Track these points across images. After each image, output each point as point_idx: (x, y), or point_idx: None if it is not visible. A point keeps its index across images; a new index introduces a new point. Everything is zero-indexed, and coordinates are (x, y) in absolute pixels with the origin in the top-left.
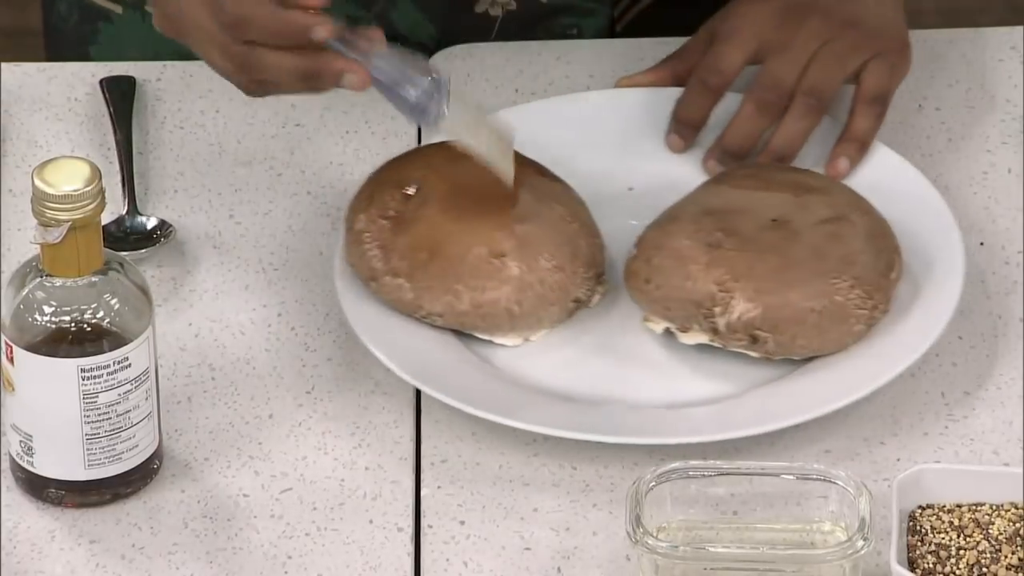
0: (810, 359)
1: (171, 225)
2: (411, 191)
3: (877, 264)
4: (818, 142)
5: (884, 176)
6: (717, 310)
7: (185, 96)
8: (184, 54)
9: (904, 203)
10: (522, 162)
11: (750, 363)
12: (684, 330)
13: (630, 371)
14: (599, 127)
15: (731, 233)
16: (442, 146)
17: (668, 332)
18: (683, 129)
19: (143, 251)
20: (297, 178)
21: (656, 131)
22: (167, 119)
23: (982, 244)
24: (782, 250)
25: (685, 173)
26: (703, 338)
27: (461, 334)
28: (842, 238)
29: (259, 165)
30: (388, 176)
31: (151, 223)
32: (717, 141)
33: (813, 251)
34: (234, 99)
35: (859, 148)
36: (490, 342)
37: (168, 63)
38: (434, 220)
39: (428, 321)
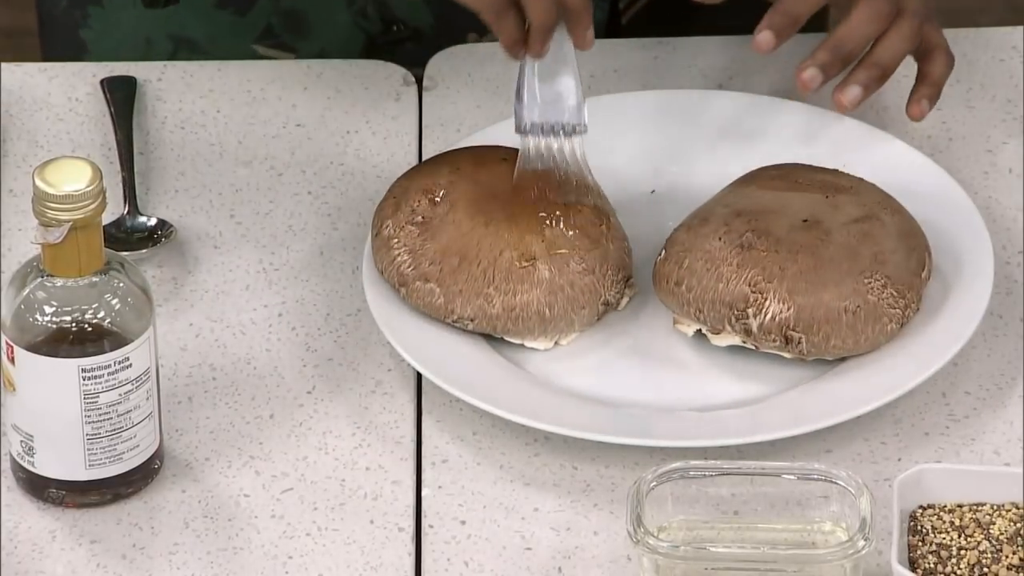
0: (842, 359)
1: (172, 225)
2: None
3: (908, 263)
4: (849, 143)
5: (910, 176)
6: (750, 311)
7: (186, 96)
8: (177, 38)
9: (930, 202)
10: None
11: (782, 364)
12: (716, 332)
13: (661, 374)
14: (619, 130)
15: (762, 234)
16: (468, 151)
17: (699, 334)
18: (783, 24)
19: (144, 251)
20: (298, 178)
21: (677, 133)
22: (168, 119)
23: None
24: (814, 250)
25: (707, 175)
26: (735, 339)
27: (491, 338)
28: (873, 237)
29: (260, 165)
30: (414, 181)
31: (152, 223)
32: (823, 45)
33: (845, 251)
34: (235, 99)
35: (937, 92)
36: (521, 346)
37: (168, 63)
38: (463, 225)
39: (459, 326)
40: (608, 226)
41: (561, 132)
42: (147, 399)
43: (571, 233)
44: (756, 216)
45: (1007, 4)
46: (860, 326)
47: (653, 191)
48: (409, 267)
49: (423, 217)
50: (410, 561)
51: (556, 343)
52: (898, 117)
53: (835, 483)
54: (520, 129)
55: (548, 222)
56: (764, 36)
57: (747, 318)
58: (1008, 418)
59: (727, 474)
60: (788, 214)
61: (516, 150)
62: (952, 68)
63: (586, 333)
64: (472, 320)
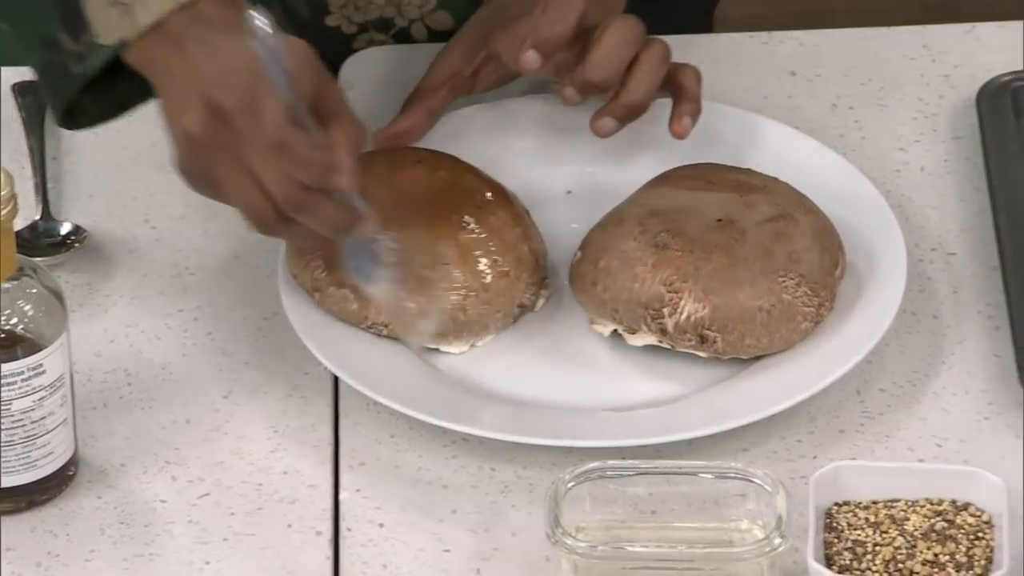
0: (757, 358)
1: (85, 230)
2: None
3: (822, 262)
4: (762, 143)
5: (824, 175)
6: (666, 311)
7: None
8: None
9: (843, 201)
10: (463, 168)
11: (698, 363)
12: (632, 332)
13: (577, 374)
14: (535, 131)
15: (677, 234)
16: (382, 154)
17: (616, 334)
18: (626, 116)
19: (57, 256)
20: None
21: (591, 134)
22: None
23: None
24: (728, 249)
25: (622, 176)
26: (651, 339)
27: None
28: (787, 236)
29: (174, 170)
30: None
31: (65, 228)
32: (579, 71)
33: (759, 250)
34: (149, 104)
35: (698, 107)
36: (436, 349)
37: None
38: (377, 230)
39: (374, 331)
40: (523, 228)
41: None
42: (61, 405)
43: (485, 236)
44: (671, 216)
45: (920, 3)
46: (774, 325)
47: (569, 191)
48: (323, 272)
49: None
50: (328, 565)
51: (472, 345)
52: (808, 115)
53: (752, 481)
54: None
55: (462, 226)
56: (607, 122)
57: (663, 318)
58: (922, 415)
59: (644, 473)
60: (702, 214)
61: (431, 152)
62: (700, 78)
63: (502, 335)
64: (386, 326)
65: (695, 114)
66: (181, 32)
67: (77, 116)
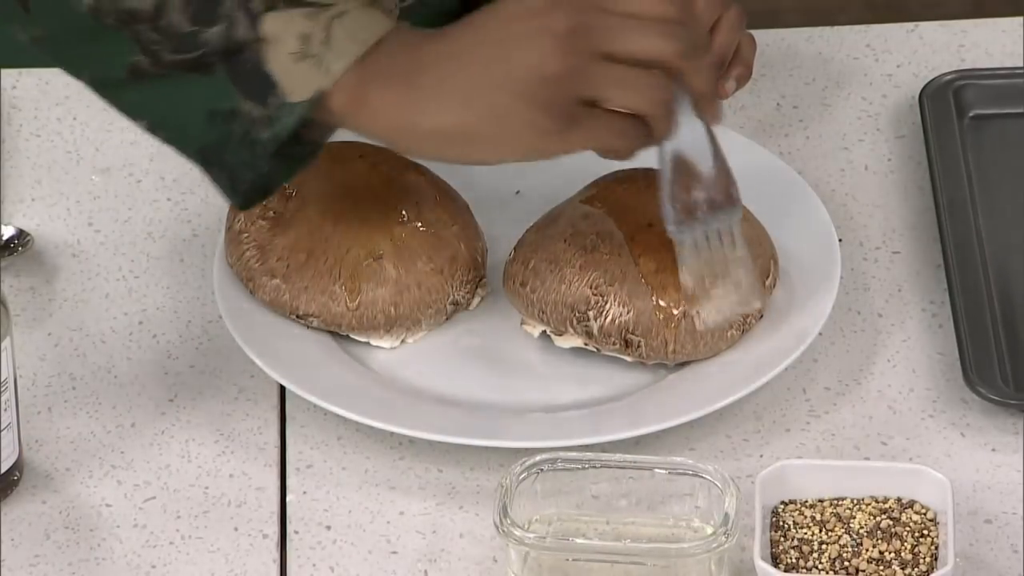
0: (684, 363)
1: (29, 234)
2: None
3: None
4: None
5: (764, 180)
6: (591, 314)
7: (41, 103)
8: None
9: (783, 209)
10: (404, 164)
11: (625, 367)
12: (559, 333)
13: (507, 374)
14: None
15: (607, 237)
16: (326, 146)
17: (545, 335)
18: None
19: (0, 261)
20: (156, 185)
21: None
22: (23, 127)
23: (840, 241)
24: (656, 254)
25: (573, 177)
26: (578, 342)
27: (338, 336)
28: None
29: (118, 172)
30: None
31: (8, 232)
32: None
33: None
34: (91, 106)
35: (749, 72)
36: (367, 344)
37: (24, 70)
38: (313, 221)
39: (305, 323)
40: (461, 226)
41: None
42: (5, 410)
43: (421, 232)
44: (603, 219)
45: (865, 3)
46: (699, 332)
47: (518, 192)
48: (257, 262)
49: (275, 212)
50: (275, 568)
51: (403, 341)
52: (753, 115)
53: (702, 478)
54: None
55: (398, 221)
56: (729, 85)
57: (588, 320)
58: (867, 412)
59: (595, 467)
60: (635, 218)
61: (374, 147)
62: (756, 47)
63: (435, 332)
64: (317, 317)
65: (743, 78)
66: (395, 57)
67: (252, 194)
